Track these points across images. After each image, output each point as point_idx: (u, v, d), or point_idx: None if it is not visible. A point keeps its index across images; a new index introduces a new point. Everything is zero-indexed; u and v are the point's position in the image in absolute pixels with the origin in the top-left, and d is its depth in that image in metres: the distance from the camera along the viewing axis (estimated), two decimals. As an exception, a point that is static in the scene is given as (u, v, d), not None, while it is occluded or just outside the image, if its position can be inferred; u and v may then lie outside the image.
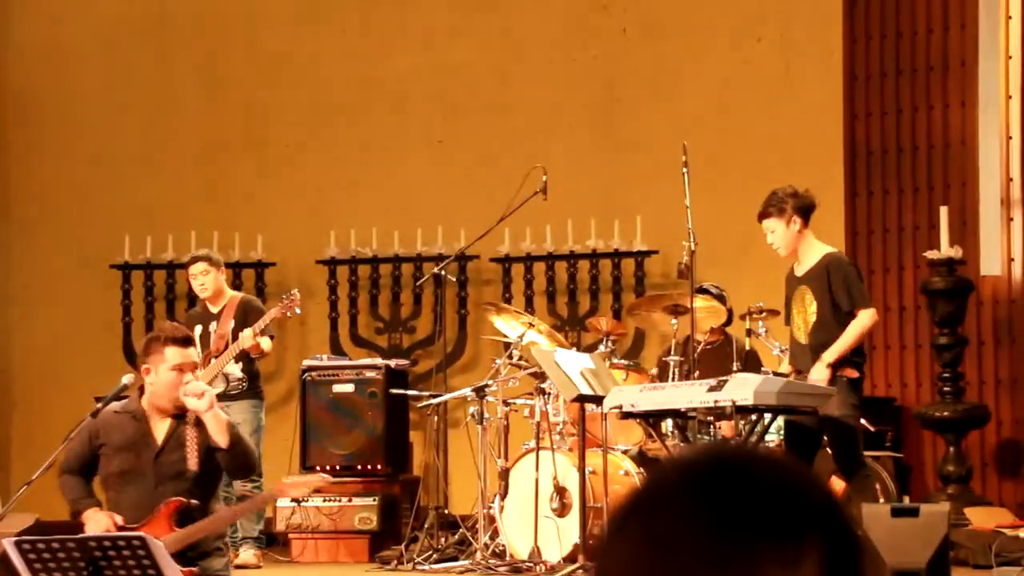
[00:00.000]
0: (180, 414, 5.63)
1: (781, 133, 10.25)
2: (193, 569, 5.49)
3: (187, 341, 5.70)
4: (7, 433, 10.79)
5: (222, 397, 8.52)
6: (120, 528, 5.52)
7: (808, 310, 7.12)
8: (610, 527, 1.20)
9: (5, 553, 5.52)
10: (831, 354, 6.95)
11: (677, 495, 1.18)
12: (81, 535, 5.34)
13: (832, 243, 9.85)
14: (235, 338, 8.62)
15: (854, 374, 7.05)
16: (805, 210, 7.18)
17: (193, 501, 5.52)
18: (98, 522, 5.54)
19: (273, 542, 9.24)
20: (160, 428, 5.62)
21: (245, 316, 8.69)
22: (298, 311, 8.78)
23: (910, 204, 9.88)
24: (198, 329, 8.79)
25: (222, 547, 5.68)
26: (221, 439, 5.51)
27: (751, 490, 1.17)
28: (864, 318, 7.05)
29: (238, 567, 8.42)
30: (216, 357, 8.68)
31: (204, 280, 8.69)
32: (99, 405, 6.07)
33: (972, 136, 9.51)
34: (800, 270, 7.21)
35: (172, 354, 5.60)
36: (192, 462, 5.53)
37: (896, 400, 9.64)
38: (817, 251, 7.19)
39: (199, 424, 5.58)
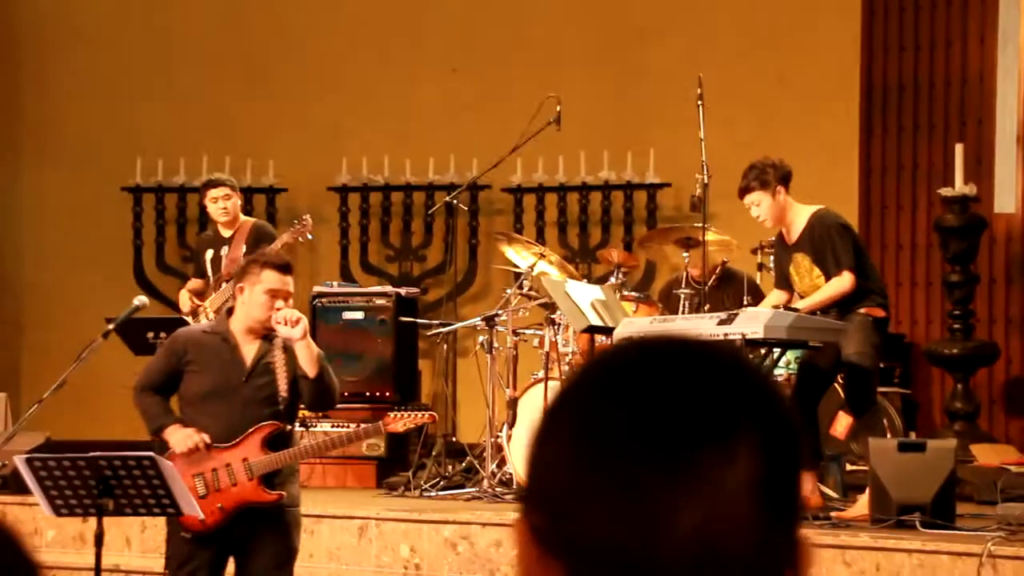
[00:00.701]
0: (268, 336, 5.59)
1: (797, 68, 10.19)
2: (281, 493, 5.53)
3: (286, 268, 5.62)
4: (18, 354, 10.84)
5: (232, 321, 8.56)
6: (208, 446, 5.51)
7: (812, 275, 7.12)
8: (538, 428, 1.16)
9: (17, 470, 5.57)
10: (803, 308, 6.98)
11: (603, 392, 1.13)
12: (92, 453, 5.37)
13: (847, 179, 9.89)
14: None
15: (879, 313, 7.05)
16: (786, 178, 7.20)
17: (288, 426, 5.53)
18: (183, 439, 5.50)
19: (281, 466, 9.28)
20: (249, 351, 5.57)
21: (257, 241, 8.68)
22: (310, 236, 8.77)
23: (925, 141, 9.83)
24: (209, 253, 8.79)
25: (297, 471, 5.71)
26: (310, 369, 5.48)
27: (678, 381, 1.12)
28: (842, 282, 7.01)
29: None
30: (227, 281, 8.69)
31: (226, 204, 8.66)
32: (110, 327, 6.09)
33: (990, 74, 9.44)
34: (791, 237, 7.20)
35: (268, 277, 5.55)
36: (283, 387, 5.51)
37: (906, 337, 9.65)
38: (804, 214, 7.19)
39: (287, 349, 5.55)
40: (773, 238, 8.01)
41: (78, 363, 5.75)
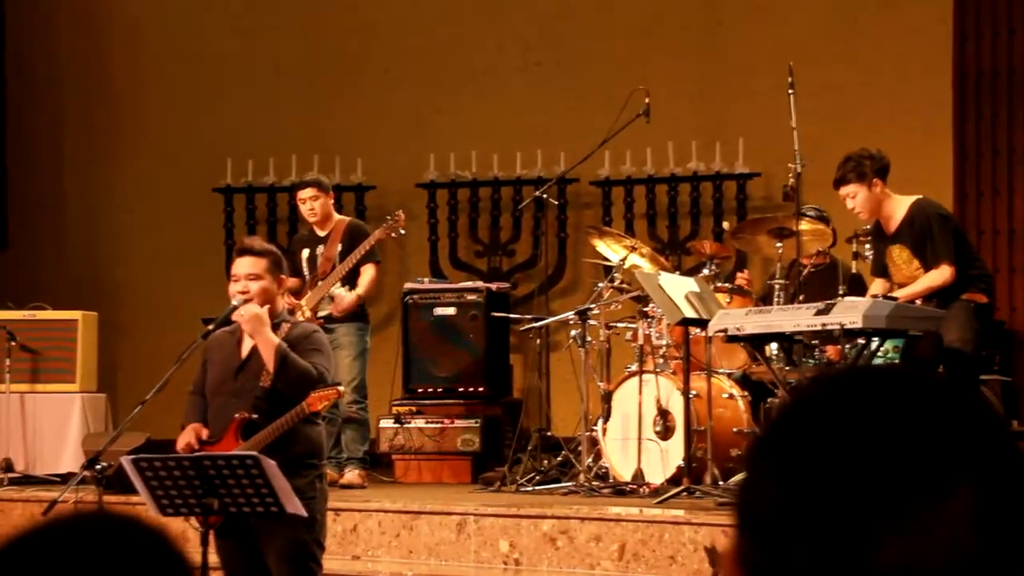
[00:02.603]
0: (273, 325, 5.63)
1: (887, 54, 10.07)
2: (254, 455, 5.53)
3: (242, 251, 5.71)
4: (114, 356, 10.97)
5: (329, 320, 8.62)
6: (201, 442, 5.59)
7: (911, 267, 7.06)
8: (751, 458, 1.15)
9: (120, 470, 5.64)
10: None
11: (821, 427, 1.11)
12: (196, 453, 5.43)
13: (941, 165, 9.76)
14: (342, 260, 8.68)
15: (982, 299, 6.96)
16: (884, 170, 7.17)
17: (253, 416, 5.53)
18: (181, 438, 5.63)
19: (377, 463, 9.34)
20: (248, 343, 5.65)
21: (352, 239, 8.74)
22: (402, 232, 8.81)
23: (1020, 126, 9.68)
24: (305, 252, 8.86)
25: (311, 465, 5.63)
26: (268, 362, 5.50)
27: (900, 422, 1.09)
28: (941, 274, 6.95)
29: (343, 487, 8.53)
30: (322, 280, 8.75)
31: (314, 205, 8.73)
32: (209, 327, 6.14)
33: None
34: (890, 227, 7.15)
35: (235, 264, 5.69)
36: (265, 379, 5.55)
37: (1005, 324, 9.51)
38: (903, 205, 7.13)
39: (288, 335, 5.60)
40: (869, 227, 7.93)
41: (179, 364, 5.81)
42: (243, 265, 5.66)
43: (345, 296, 8.56)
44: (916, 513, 1.07)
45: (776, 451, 1.13)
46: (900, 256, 7.11)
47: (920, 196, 7.24)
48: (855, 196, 7.11)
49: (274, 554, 5.47)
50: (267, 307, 5.61)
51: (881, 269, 7.25)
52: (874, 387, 1.13)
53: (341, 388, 5.55)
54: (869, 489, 1.08)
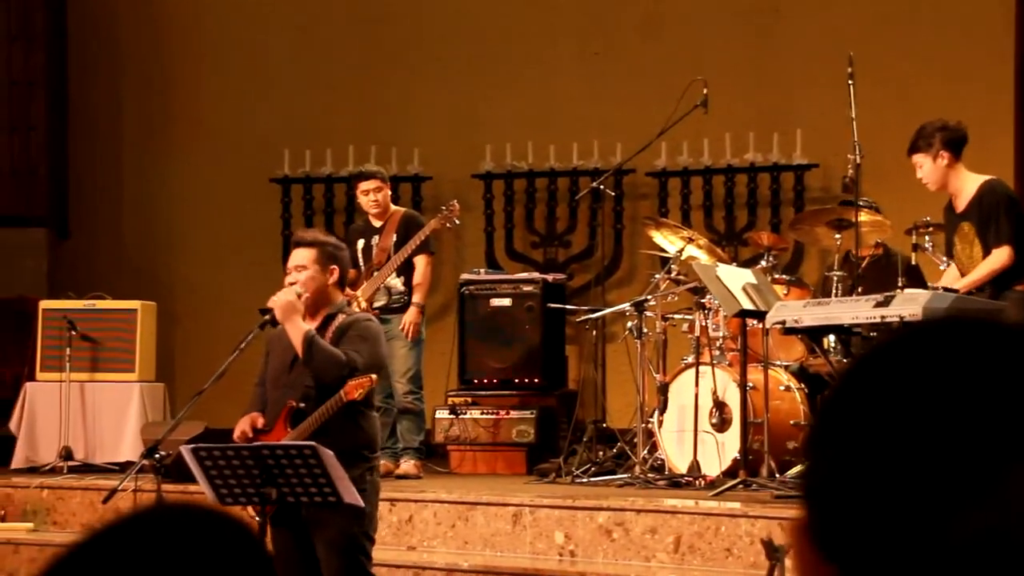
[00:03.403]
0: (328, 318, 5.68)
1: (947, 41, 9.97)
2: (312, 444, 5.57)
3: (294, 243, 5.84)
4: (171, 346, 11.05)
5: (384, 310, 8.65)
6: (255, 431, 5.65)
7: (974, 247, 7.01)
8: (818, 423, 1.09)
9: (178, 458, 5.68)
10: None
11: (894, 387, 1.04)
12: (256, 443, 5.46)
13: (1001, 156, 9.65)
14: (397, 251, 8.70)
15: None
16: (955, 143, 7.05)
17: (301, 404, 5.58)
18: (239, 425, 5.70)
19: (432, 453, 9.36)
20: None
21: (407, 230, 8.76)
22: (457, 222, 8.82)
23: (1083, 115, 9.57)
24: (361, 243, 8.88)
25: (364, 457, 5.64)
26: (297, 349, 5.57)
27: (986, 380, 1.01)
28: (1000, 256, 6.90)
29: (399, 477, 8.56)
30: (378, 270, 8.78)
31: (377, 196, 8.77)
32: (266, 317, 6.17)
33: None
34: (959, 205, 7.09)
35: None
36: None
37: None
38: (972, 183, 7.06)
39: (339, 331, 5.64)
40: (928, 218, 7.87)
41: (237, 354, 5.84)
42: (293, 257, 5.77)
43: (408, 313, 8.63)
44: (1000, 481, 1.01)
45: (848, 414, 1.07)
46: (968, 235, 7.06)
47: (992, 176, 7.18)
48: (921, 166, 7.08)
49: (323, 544, 5.50)
50: (309, 296, 5.65)
51: (951, 248, 7.20)
52: (957, 340, 1.05)
53: (374, 376, 5.57)
54: (948, 454, 1.01)
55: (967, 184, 7.08)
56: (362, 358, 5.59)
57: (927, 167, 7.06)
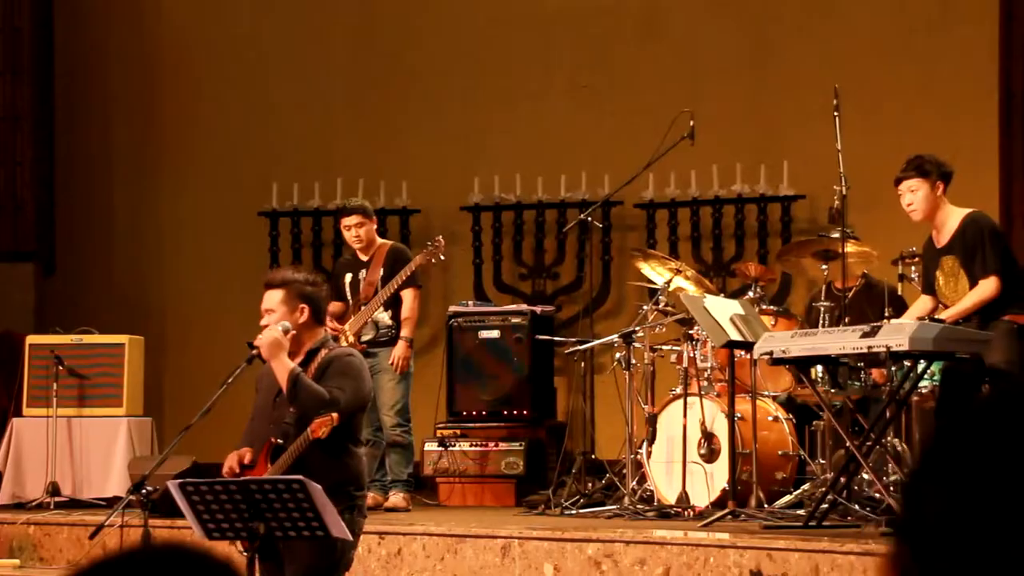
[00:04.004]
0: (311, 353, 5.70)
1: (934, 75, 10.02)
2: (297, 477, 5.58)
3: (267, 284, 5.86)
4: (161, 379, 11.04)
5: (372, 344, 8.65)
6: (242, 467, 5.67)
7: (958, 280, 7.03)
8: (918, 465, 1.12)
9: (165, 493, 5.66)
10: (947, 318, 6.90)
11: (997, 439, 1.07)
12: (242, 477, 5.45)
13: (986, 188, 9.69)
14: (384, 285, 8.70)
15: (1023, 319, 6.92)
16: (948, 177, 7.16)
17: (280, 440, 5.60)
18: (227, 461, 5.72)
19: (421, 486, 9.34)
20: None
21: (394, 264, 8.76)
22: (442, 257, 8.83)
23: (1067, 146, 9.62)
24: (348, 277, 8.89)
25: (346, 494, 5.61)
26: (283, 386, 5.61)
27: None
28: (987, 287, 6.94)
29: (388, 510, 8.54)
30: (364, 304, 8.77)
31: (359, 232, 8.77)
32: (253, 352, 6.16)
33: None
34: (941, 239, 7.13)
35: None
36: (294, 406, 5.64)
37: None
38: (956, 217, 7.11)
39: (321, 368, 5.65)
40: (913, 248, 7.89)
41: (224, 389, 5.83)
42: (263, 299, 5.82)
43: (397, 348, 8.63)
44: None
45: (944, 475, 1.09)
46: (952, 268, 7.07)
47: (974, 209, 7.21)
48: (916, 191, 7.09)
49: (290, 573, 5.53)
50: (290, 334, 5.67)
51: (930, 285, 7.22)
52: None
53: (335, 415, 5.57)
54: None
55: (951, 218, 7.13)
56: (345, 394, 5.61)
57: (921, 193, 7.09)
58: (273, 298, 5.76)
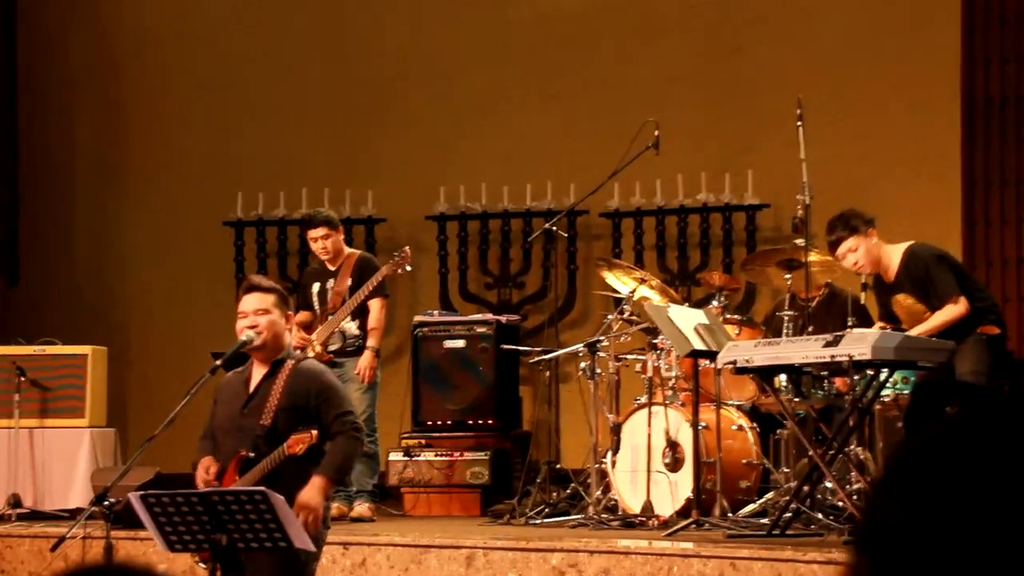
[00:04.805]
0: (278, 361, 5.66)
1: (898, 82, 10.08)
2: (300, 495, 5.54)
3: (249, 288, 5.75)
4: (124, 390, 10.99)
5: (339, 353, 8.64)
6: (209, 480, 5.62)
7: (918, 309, 7.10)
8: (881, 481, 1.12)
9: (129, 505, 5.63)
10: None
11: (963, 457, 1.07)
12: (205, 490, 5.42)
13: (949, 194, 9.75)
14: (352, 295, 8.69)
15: (994, 330, 6.98)
16: (871, 222, 7.29)
17: (250, 454, 5.55)
18: (198, 476, 5.66)
19: (386, 496, 9.33)
20: (255, 378, 5.68)
21: (361, 273, 8.75)
22: (409, 268, 8.82)
23: (1029, 155, 9.68)
24: (316, 286, 8.87)
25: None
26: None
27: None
28: (954, 308, 7.00)
29: (353, 520, 8.52)
30: (332, 314, 8.76)
31: (325, 244, 8.76)
32: (217, 362, 6.14)
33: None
34: (889, 276, 7.23)
35: (241, 301, 5.72)
36: (266, 417, 5.56)
37: (1014, 354, 9.47)
38: (896, 253, 7.22)
39: (294, 373, 5.61)
40: (866, 280, 7.93)
41: (187, 399, 5.80)
42: (251, 301, 5.69)
43: (363, 358, 8.61)
44: None
45: (907, 489, 1.09)
46: (907, 301, 7.15)
47: (912, 242, 7.30)
48: (856, 249, 7.21)
49: None
50: (275, 339, 5.64)
51: (888, 316, 7.30)
52: (1003, 426, 1.09)
53: (315, 432, 5.54)
54: (1006, 535, 1.04)
55: (892, 256, 7.26)
56: (351, 415, 5.61)
57: (863, 249, 7.21)
58: (267, 300, 5.68)
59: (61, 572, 1.20)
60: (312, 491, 5.49)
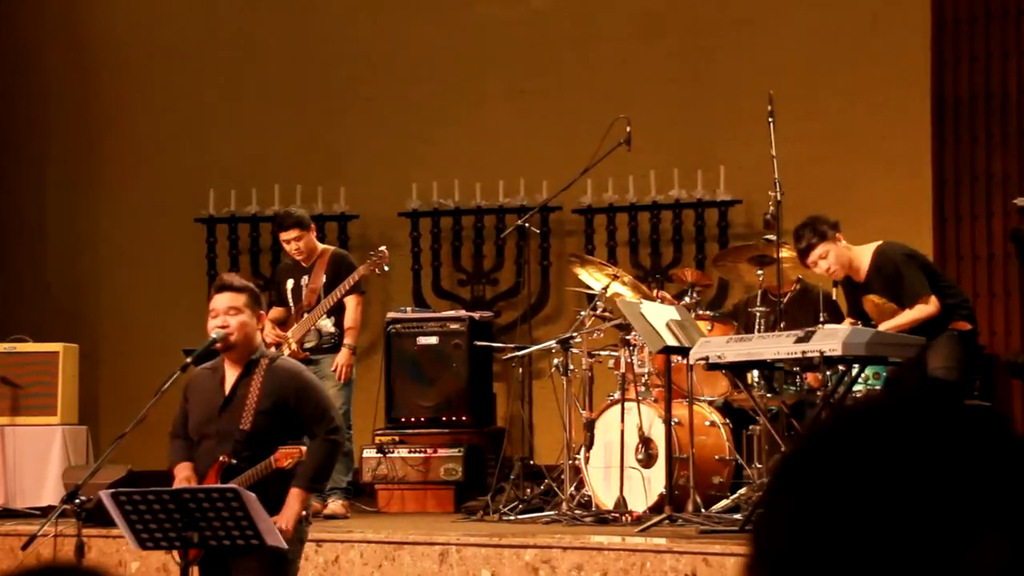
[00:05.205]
0: (252, 362, 5.64)
1: (867, 80, 10.12)
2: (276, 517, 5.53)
3: (220, 287, 5.68)
4: (95, 387, 10.95)
5: (314, 351, 8.63)
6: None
7: (890, 308, 7.14)
8: (769, 490, 1.12)
9: (101, 503, 5.62)
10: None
11: (842, 463, 1.06)
12: (175, 487, 5.41)
13: (920, 191, 9.80)
14: (327, 292, 8.67)
15: (965, 326, 7.02)
16: (837, 226, 7.34)
17: (232, 460, 5.53)
18: (179, 475, 5.61)
19: (360, 493, 9.32)
20: (229, 379, 5.63)
21: (337, 270, 8.74)
22: (386, 268, 8.81)
23: (999, 151, 9.73)
24: (290, 283, 8.86)
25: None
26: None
27: (926, 462, 1.03)
28: (925, 307, 7.06)
29: (327, 517, 8.51)
30: (308, 311, 8.75)
31: (298, 244, 8.74)
32: (188, 360, 6.12)
33: (1063, 81, 9.34)
34: (860, 277, 7.27)
35: (213, 300, 5.67)
36: (245, 420, 5.53)
37: (985, 348, 9.53)
38: (866, 253, 7.27)
39: (269, 371, 5.59)
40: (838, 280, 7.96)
41: (158, 397, 5.79)
42: (223, 300, 5.65)
43: (340, 356, 8.60)
44: (943, 564, 1.01)
45: (798, 487, 1.09)
46: (878, 301, 7.19)
47: (881, 242, 7.35)
48: (827, 255, 7.26)
49: None
50: (245, 339, 5.61)
51: (858, 314, 7.34)
52: (902, 421, 1.07)
53: (303, 448, 5.53)
54: (893, 535, 1.02)
55: (862, 256, 7.31)
56: (330, 416, 5.59)
57: (833, 254, 7.26)
58: (239, 299, 5.62)
59: (18, 571, 1.21)
60: (288, 513, 5.46)
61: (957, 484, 1.03)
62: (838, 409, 1.15)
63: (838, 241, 7.24)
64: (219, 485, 5.34)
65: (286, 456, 5.48)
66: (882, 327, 7.05)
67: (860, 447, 1.07)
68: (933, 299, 7.05)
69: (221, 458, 5.53)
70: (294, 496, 5.48)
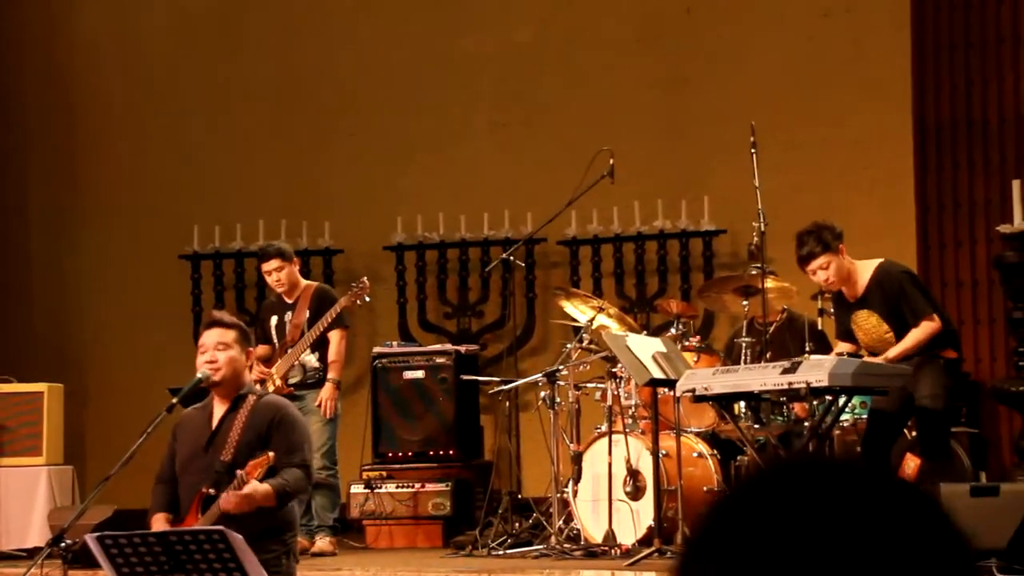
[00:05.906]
0: (239, 398, 5.64)
1: (849, 108, 10.15)
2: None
3: (210, 324, 5.73)
4: (81, 425, 10.91)
5: (299, 386, 8.61)
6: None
7: (880, 330, 7.09)
8: (689, 545, 1.14)
9: (87, 545, 5.58)
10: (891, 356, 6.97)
11: (757, 522, 1.09)
12: (162, 530, 5.39)
13: (903, 218, 9.83)
14: (310, 327, 8.66)
15: (951, 354, 7.01)
16: (841, 237, 7.20)
17: (211, 491, 5.52)
18: (155, 527, 5.59)
19: (348, 529, 9.29)
20: (217, 415, 5.65)
21: (319, 305, 8.73)
22: (367, 299, 8.80)
23: (981, 178, 9.77)
24: (274, 320, 8.84)
25: (280, 540, 5.58)
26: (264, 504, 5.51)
27: (838, 523, 1.06)
28: (929, 326, 7.01)
29: (314, 555, 8.48)
30: (291, 347, 8.73)
31: (279, 276, 8.74)
32: (174, 400, 6.11)
33: (1044, 108, 9.38)
34: (855, 293, 7.17)
35: (203, 336, 5.70)
36: (226, 453, 5.54)
37: (971, 375, 9.55)
38: (867, 270, 7.16)
39: (254, 409, 5.58)
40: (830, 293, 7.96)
41: (144, 437, 5.76)
42: (212, 336, 5.67)
43: (324, 390, 8.59)
44: None
45: (716, 537, 1.10)
46: (868, 321, 7.14)
47: (883, 259, 7.29)
48: (828, 266, 7.10)
49: None
50: (234, 375, 5.62)
51: (846, 334, 7.30)
52: (814, 484, 1.09)
53: (271, 454, 5.52)
54: None
55: (863, 272, 7.20)
56: (303, 453, 5.58)
57: (834, 266, 7.10)
58: (228, 335, 5.65)
59: None
60: (244, 490, 5.42)
61: (867, 546, 1.05)
62: (746, 478, 1.17)
63: (841, 253, 7.15)
64: (205, 527, 5.31)
65: (256, 467, 5.46)
66: (891, 352, 7.01)
67: (769, 513, 1.09)
68: (936, 317, 7.04)
69: (203, 490, 5.53)
70: (260, 486, 5.43)
